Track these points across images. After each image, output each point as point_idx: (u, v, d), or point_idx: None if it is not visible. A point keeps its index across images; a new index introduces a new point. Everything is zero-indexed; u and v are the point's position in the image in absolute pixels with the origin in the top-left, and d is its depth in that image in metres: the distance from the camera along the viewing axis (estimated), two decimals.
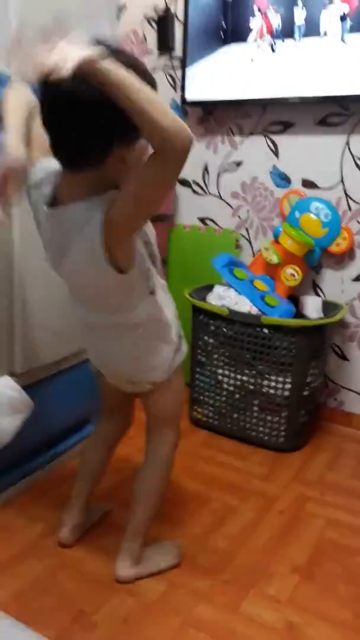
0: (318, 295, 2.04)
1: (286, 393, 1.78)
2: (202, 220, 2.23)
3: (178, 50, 2.11)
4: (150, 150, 0.85)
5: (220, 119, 2.11)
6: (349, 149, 1.89)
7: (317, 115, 1.92)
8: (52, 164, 0.96)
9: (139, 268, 1.01)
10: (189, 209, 2.25)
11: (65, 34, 0.76)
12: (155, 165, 0.84)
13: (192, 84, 2.05)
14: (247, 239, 2.15)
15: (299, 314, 1.89)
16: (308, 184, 1.99)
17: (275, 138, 2.02)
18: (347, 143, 1.89)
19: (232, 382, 1.85)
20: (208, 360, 1.90)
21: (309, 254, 1.91)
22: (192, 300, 1.88)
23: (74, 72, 0.72)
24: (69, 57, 0.72)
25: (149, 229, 1.10)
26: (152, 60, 2.20)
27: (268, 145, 2.03)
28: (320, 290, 2.04)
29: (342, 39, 1.74)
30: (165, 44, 2.15)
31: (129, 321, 1.08)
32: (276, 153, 2.02)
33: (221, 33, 1.95)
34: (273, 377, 1.78)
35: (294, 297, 1.97)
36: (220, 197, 2.17)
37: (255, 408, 1.84)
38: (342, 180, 1.92)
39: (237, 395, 1.86)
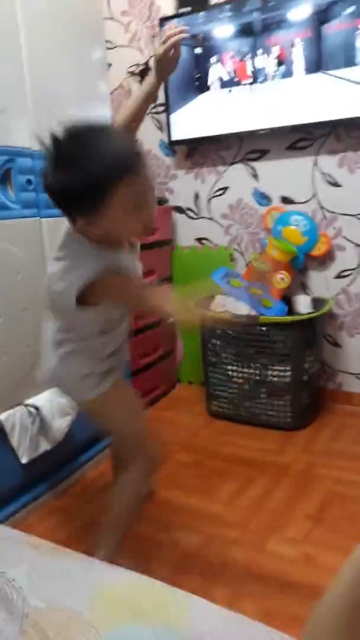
0: (307, 293, 2.34)
1: (288, 379, 2.07)
2: (199, 240, 2.55)
3: (161, 98, 2.46)
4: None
5: (204, 153, 2.44)
6: (318, 167, 2.21)
7: (287, 142, 2.24)
8: None
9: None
10: (186, 231, 2.58)
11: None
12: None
13: (176, 126, 2.38)
14: (239, 252, 2.47)
15: (292, 312, 2.19)
16: (286, 200, 2.31)
17: (254, 164, 2.34)
18: (315, 163, 2.21)
19: (240, 375, 2.15)
20: (218, 360, 2.19)
21: (294, 259, 2.22)
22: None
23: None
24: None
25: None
26: None
27: (248, 171, 2.36)
28: (309, 289, 2.34)
29: (286, 85, 2.07)
30: None
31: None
32: (256, 177, 2.35)
33: (196, 82, 2.30)
34: (275, 367, 2.08)
35: (287, 298, 2.27)
36: (212, 219, 2.50)
37: (263, 395, 2.13)
38: (315, 194, 2.24)
39: (246, 387, 2.15)
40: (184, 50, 2.25)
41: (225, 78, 2.22)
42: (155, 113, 2.52)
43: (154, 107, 2.51)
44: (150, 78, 1.27)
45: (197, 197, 2.51)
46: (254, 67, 2.14)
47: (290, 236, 2.23)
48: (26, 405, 1.59)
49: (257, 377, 2.12)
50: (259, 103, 2.18)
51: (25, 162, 1.51)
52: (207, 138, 2.35)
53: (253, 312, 2.10)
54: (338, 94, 2.00)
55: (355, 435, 2.07)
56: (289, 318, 2.05)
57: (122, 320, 1.24)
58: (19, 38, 1.48)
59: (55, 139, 1.00)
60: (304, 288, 2.35)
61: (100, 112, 1.83)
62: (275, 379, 2.09)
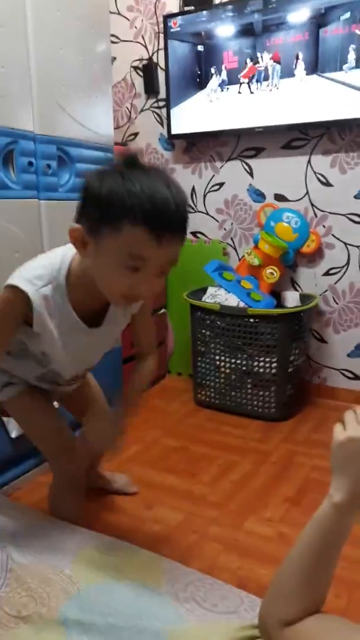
0: (296, 289, 2.41)
1: (273, 371, 2.13)
2: (194, 233, 2.61)
3: (162, 93, 2.52)
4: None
5: (202, 148, 2.50)
6: (311, 166, 2.28)
7: (282, 141, 2.31)
8: None
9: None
10: None
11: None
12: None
13: (176, 120, 2.44)
14: (232, 247, 2.53)
15: (281, 306, 2.25)
16: (279, 197, 2.37)
17: (250, 161, 2.41)
18: (309, 162, 2.28)
19: (228, 365, 2.21)
20: (206, 350, 2.25)
21: (284, 255, 2.28)
22: (190, 300, 2.24)
23: None
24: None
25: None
26: (140, 102, 2.62)
27: (244, 168, 2.42)
28: (298, 285, 2.41)
29: (284, 86, 2.14)
30: (150, 88, 2.56)
31: None
32: (251, 174, 2.41)
33: (197, 78, 2.36)
34: (261, 359, 2.14)
35: (276, 293, 2.33)
36: (207, 214, 2.56)
37: (249, 386, 2.19)
38: (307, 193, 2.31)
39: (233, 377, 2.21)
40: (186, 47, 2.32)
41: (225, 76, 2.28)
42: (157, 107, 2.58)
43: (155, 101, 2.57)
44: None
45: (193, 191, 2.57)
46: (253, 67, 2.21)
47: (281, 232, 2.29)
48: None
49: (244, 368, 2.18)
50: (257, 101, 2.24)
51: (28, 145, 1.56)
52: (205, 133, 2.41)
53: (242, 304, 2.17)
54: (333, 96, 2.07)
55: None
56: (277, 311, 2.11)
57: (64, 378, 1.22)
58: (26, 26, 1.53)
59: (133, 158, 0.89)
60: (293, 284, 2.42)
61: (102, 103, 1.88)
62: (261, 370, 2.15)
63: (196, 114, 2.39)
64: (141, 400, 1.29)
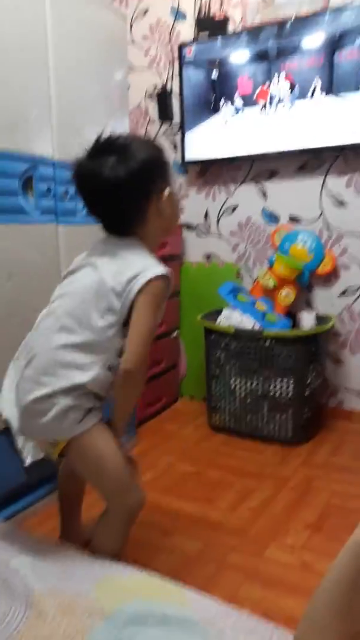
0: (311, 310, 2.39)
1: (290, 394, 2.11)
2: (207, 256, 2.62)
3: (176, 119, 2.55)
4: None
5: (215, 173, 2.52)
6: (326, 187, 2.28)
7: (297, 164, 2.32)
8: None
9: None
10: (195, 248, 2.64)
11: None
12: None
13: (190, 146, 2.47)
14: (246, 269, 2.53)
15: (297, 327, 2.24)
16: (294, 219, 2.38)
17: (263, 184, 2.42)
18: (324, 183, 2.28)
19: (243, 388, 2.19)
20: (221, 373, 2.23)
21: (299, 276, 2.28)
22: (204, 322, 2.23)
23: None
24: None
25: None
26: (154, 127, 2.65)
27: (258, 191, 2.44)
28: (313, 306, 2.39)
29: (299, 110, 2.16)
30: (165, 115, 2.59)
31: None
32: (265, 196, 2.43)
33: (211, 104, 2.39)
34: (278, 381, 2.12)
35: (292, 314, 2.32)
36: (221, 236, 2.57)
37: (265, 409, 2.16)
38: (322, 214, 2.31)
39: (248, 400, 2.18)
40: (200, 73, 2.36)
41: (240, 101, 2.31)
42: (171, 133, 2.61)
43: (170, 127, 2.60)
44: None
45: (207, 215, 2.58)
46: (267, 92, 2.23)
47: (296, 253, 2.29)
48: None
49: (260, 391, 2.15)
50: (271, 126, 2.26)
51: (47, 171, 1.58)
52: (219, 159, 2.43)
53: (257, 326, 2.15)
54: (348, 119, 2.09)
55: (355, 451, 2.09)
56: (293, 333, 2.10)
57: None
58: (47, 54, 1.57)
59: (103, 138, 1.12)
60: (308, 305, 2.41)
61: (118, 129, 1.91)
62: (278, 393, 2.12)
63: (210, 139, 2.41)
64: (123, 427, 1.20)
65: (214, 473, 1.93)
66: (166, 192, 1.16)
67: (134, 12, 2.59)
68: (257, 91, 2.26)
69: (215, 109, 2.38)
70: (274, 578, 1.37)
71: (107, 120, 1.84)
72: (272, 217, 2.43)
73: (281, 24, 2.15)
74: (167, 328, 2.51)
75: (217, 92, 2.36)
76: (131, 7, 2.59)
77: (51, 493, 1.73)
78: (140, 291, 1.09)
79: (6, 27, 1.42)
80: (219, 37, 2.30)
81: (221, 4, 2.37)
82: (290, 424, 2.13)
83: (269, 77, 2.22)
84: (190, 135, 2.46)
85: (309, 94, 2.15)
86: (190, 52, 2.36)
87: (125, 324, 1.13)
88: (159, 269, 1.11)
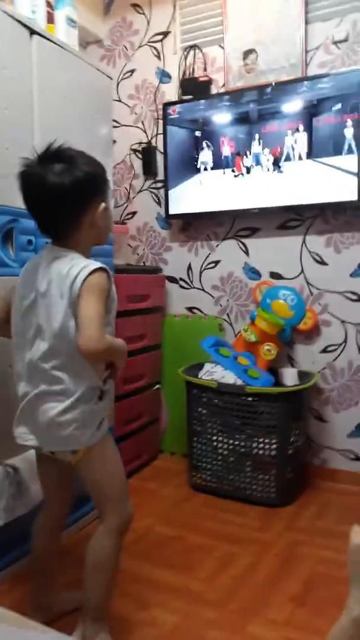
0: (293, 366, 2.37)
1: (273, 452, 2.05)
2: (190, 309, 2.60)
3: (160, 175, 2.59)
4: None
5: (198, 228, 2.55)
6: (306, 246, 2.31)
7: (277, 221, 2.36)
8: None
9: None
10: (178, 300, 2.63)
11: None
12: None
13: (173, 201, 2.50)
14: (228, 323, 2.51)
15: (279, 384, 2.20)
16: (275, 275, 2.39)
17: (245, 240, 2.44)
18: (304, 242, 2.31)
19: (225, 446, 2.12)
20: (203, 429, 2.17)
21: (281, 332, 2.26)
22: (185, 376, 2.19)
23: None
24: None
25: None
26: (139, 182, 2.69)
27: (240, 247, 2.46)
28: (295, 362, 2.37)
29: (279, 170, 2.21)
30: (149, 170, 2.64)
31: None
32: (247, 252, 2.44)
33: (194, 162, 2.43)
34: (261, 439, 2.06)
35: (273, 370, 2.29)
36: (204, 290, 2.56)
37: (248, 469, 2.09)
38: (302, 271, 2.32)
39: (231, 459, 2.12)
40: (184, 132, 2.42)
41: (221, 160, 2.36)
42: (155, 188, 2.65)
43: (154, 182, 2.64)
44: None
45: (189, 268, 2.59)
46: (248, 153, 2.29)
47: (278, 309, 2.28)
48: (5, 465, 1.55)
49: (242, 449, 2.09)
50: (252, 184, 2.31)
51: (29, 224, 1.56)
52: (202, 214, 2.46)
53: (239, 382, 2.11)
54: (326, 179, 2.14)
55: (340, 514, 2.02)
56: (276, 389, 2.06)
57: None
58: (33, 109, 1.58)
59: (53, 147, 1.19)
60: (290, 361, 2.38)
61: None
62: (261, 451, 2.06)
63: (193, 195, 2.45)
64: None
65: (194, 537, 1.84)
66: (102, 206, 1.23)
67: (121, 72, 2.67)
68: (239, 152, 2.31)
69: (198, 167, 2.42)
70: None
71: None
72: (254, 273, 2.44)
73: (262, 89, 2.22)
74: (148, 380, 2.46)
75: (199, 150, 2.41)
76: (118, 67, 2.68)
77: (23, 557, 1.62)
78: (81, 287, 1.14)
79: None
80: (202, 99, 2.37)
81: (204, 68, 2.46)
82: (273, 484, 2.06)
83: (250, 138, 2.28)
84: (173, 191, 2.49)
85: (289, 155, 2.21)
86: (174, 112, 2.42)
87: None
88: (93, 265, 1.17)
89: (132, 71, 2.65)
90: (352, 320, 2.24)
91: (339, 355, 2.28)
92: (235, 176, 2.34)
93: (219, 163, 2.37)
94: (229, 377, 2.14)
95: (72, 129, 1.75)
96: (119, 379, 1.40)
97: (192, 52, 2.49)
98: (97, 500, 1.28)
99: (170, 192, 2.49)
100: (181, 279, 2.62)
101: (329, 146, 2.12)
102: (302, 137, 2.17)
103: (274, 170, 2.25)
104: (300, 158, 2.19)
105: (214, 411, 2.14)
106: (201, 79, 2.43)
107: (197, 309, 2.59)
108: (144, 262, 2.70)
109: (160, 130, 2.54)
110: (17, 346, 1.24)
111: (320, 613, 1.44)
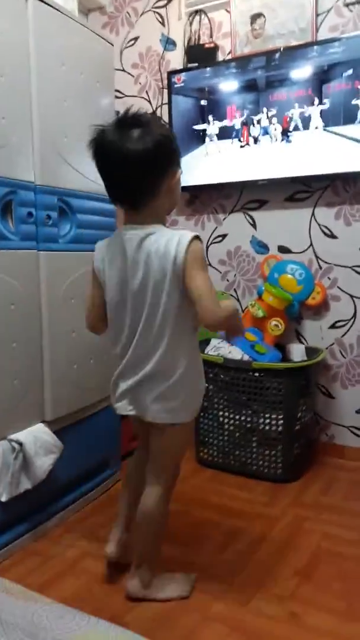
0: (301, 342, 2.33)
1: (280, 428, 2.03)
2: None
3: None
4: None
5: (205, 201, 2.49)
6: (315, 219, 2.25)
7: (286, 193, 2.29)
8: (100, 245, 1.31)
9: None
10: None
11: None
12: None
13: None
14: (236, 298, 2.48)
15: (286, 360, 2.17)
16: (283, 249, 2.34)
17: (253, 214, 2.39)
18: (313, 214, 2.25)
19: (232, 422, 2.11)
20: (209, 405, 2.16)
21: (289, 307, 2.22)
22: None
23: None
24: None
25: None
26: None
27: (247, 220, 2.40)
28: (303, 338, 2.34)
29: (287, 140, 2.14)
30: None
31: None
32: (254, 226, 2.39)
33: (200, 132, 2.37)
34: (267, 415, 2.04)
35: (281, 346, 2.26)
36: (210, 265, 2.52)
37: (254, 444, 2.08)
38: (311, 245, 2.27)
39: (237, 434, 2.10)
40: (189, 101, 2.35)
41: (228, 130, 2.29)
42: None
43: None
44: None
45: None
46: (256, 123, 2.22)
47: (286, 284, 2.24)
48: (9, 440, 1.54)
49: (249, 425, 2.08)
50: (260, 155, 2.24)
51: (28, 195, 1.53)
52: (208, 186, 2.40)
53: (246, 357, 2.09)
54: (336, 149, 2.07)
55: (346, 490, 2.01)
56: (283, 365, 2.03)
57: None
58: (30, 78, 1.53)
59: (130, 113, 1.16)
60: (298, 337, 2.35)
61: None
62: (267, 427, 2.05)
63: (199, 167, 2.39)
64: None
65: (200, 512, 1.84)
66: (179, 172, 1.23)
67: (124, 40, 2.59)
68: (243, 128, 2.24)
69: (204, 137, 2.36)
70: (260, 632, 1.27)
71: None
72: (261, 247, 2.39)
73: (270, 55, 2.14)
74: None
75: (206, 119, 2.34)
76: (121, 35, 2.59)
77: (28, 532, 1.63)
78: (185, 259, 1.16)
79: None
80: (208, 67, 2.29)
81: (211, 34, 2.38)
82: (279, 460, 2.04)
83: (258, 107, 2.20)
84: None
85: (297, 125, 2.13)
86: (179, 80, 2.35)
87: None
88: (188, 234, 1.19)
89: (136, 39, 2.57)
90: None
91: (347, 330, 2.24)
92: (242, 147, 2.27)
93: (226, 133, 2.30)
94: (236, 353, 2.12)
95: (72, 98, 1.70)
96: None
97: (197, 18, 2.40)
98: (158, 466, 1.36)
99: None
100: None
101: (339, 115, 2.04)
102: (312, 105, 2.09)
103: (282, 140, 2.18)
104: (309, 127, 2.11)
105: (220, 387, 2.12)
106: (207, 45, 2.35)
107: None
108: None
109: (165, 100, 2.47)
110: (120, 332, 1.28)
111: (325, 588, 1.43)
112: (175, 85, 2.36)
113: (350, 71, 1.99)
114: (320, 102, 2.07)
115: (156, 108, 2.56)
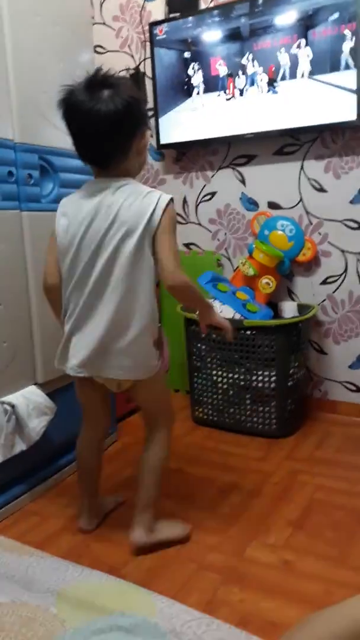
0: (293, 299, 2.32)
1: (273, 385, 2.04)
2: (187, 245, 2.54)
3: (150, 102, 2.46)
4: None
5: (192, 157, 2.44)
6: (304, 172, 2.21)
7: (274, 147, 2.24)
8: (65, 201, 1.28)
9: None
10: None
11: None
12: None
13: (165, 130, 2.38)
14: (226, 257, 2.45)
15: (278, 317, 2.16)
16: (273, 205, 2.30)
17: (241, 169, 2.34)
18: (302, 168, 2.21)
19: (225, 381, 2.11)
20: (203, 365, 2.16)
21: (280, 264, 2.20)
22: (184, 312, 2.16)
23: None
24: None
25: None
26: None
27: (236, 176, 2.36)
28: (295, 295, 2.33)
29: (273, 91, 2.08)
30: None
31: None
32: (243, 182, 2.35)
33: (185, 86, 2.30)
34: (260, 372, 2.05)
35: (273, 304, 2.25)
36: (200, 224, 2.48)
37: (248, 402, 2.09)
38: (301, 200, 2.23)
39: (231, 392, 2.11)
40: (173, 54, 2.27)
41: (213, 82, 2.23)
42: None
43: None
44: None
45: (185, 201, 2.50)
46: (241, 73, 2.15)
47: (276, 241, 2.21)
48: (1, 403, 1.54)
49: (242, 383, 2.08)
50: (247, 107, 2.18)
51: (8, 154, 1.49)
52: (195, 142, 2.34)
53: (238, 316, 2.08)
54: (323, 98, 2.01)
55: (340, 444, 2.03)
56: (274, 322, 2.02)
57: None
58: (3, 28, 1.47)
59: (100, 73, 1.16)
60: (290, 294, 2.34)
61: None
62: (260, 384, 2.05)
63: (184, 122, 2.33)
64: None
65: (195, 469, 1.86)
66: (148, 133, 1.26)
67: None
68: (231, 72, 2.17)
69: (189, 91, 2.29)
70: (254, 579, 1.30)
71: None
72: (251, 204, 2.35)
73: (253, 1, 2.06)
74: None
75: (189, 72, 2.27)
76: None
77: (25, 492, 1.66)
78: (161, 219, 1.20)
79: None
80: (190, 16, 2.20)
81: None
82: (273, 416, 2.06)
83: (242, 56, 2.13)
84: (164, 119, 2.37)
85: (284, 73, 2.07)
86: (161, 32, 2.27)
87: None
88: (165, 195, 1.23)
89: None
90: (352, 249, 2.17)
91: (339, 286, 2.22)
92: (228, 99, 2.21)
93: (211, 85, 2.23)
94: (228, 312, 2.11)
95: (48, 51, 1.63)
96: None
97: None
98: (152, 417, 1.43)
99: (160, 119, 2.37)
100: (177, 214, 2.53)
101: (326, 62, 1.98)
102: (298, 52, 2.02)
103: (268, 90, 2.12)
104: (295, 76, 2.05)
105: (213, 346, 2.12)
106: None
107: (194, 244, 2.52)
108: None
109: (148, 54, 2.38)
110: (76, 286, 1.26)
111: (318, 536, 1.46)
112: (157, 38, 2.28)
113: (336, 15, 1.92)
114: (306, 49, 2.00)
115: (139, 63, 2.47)
